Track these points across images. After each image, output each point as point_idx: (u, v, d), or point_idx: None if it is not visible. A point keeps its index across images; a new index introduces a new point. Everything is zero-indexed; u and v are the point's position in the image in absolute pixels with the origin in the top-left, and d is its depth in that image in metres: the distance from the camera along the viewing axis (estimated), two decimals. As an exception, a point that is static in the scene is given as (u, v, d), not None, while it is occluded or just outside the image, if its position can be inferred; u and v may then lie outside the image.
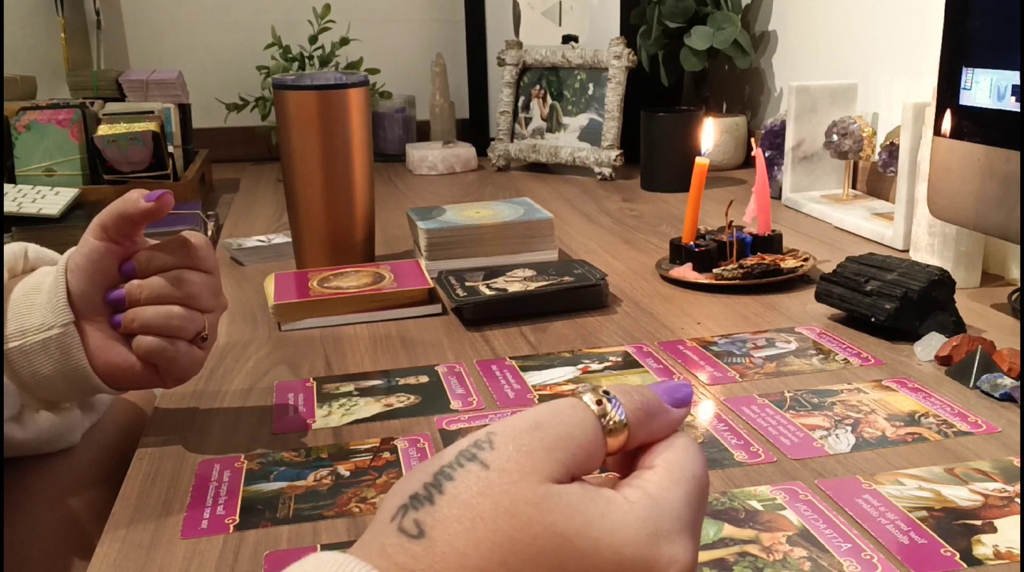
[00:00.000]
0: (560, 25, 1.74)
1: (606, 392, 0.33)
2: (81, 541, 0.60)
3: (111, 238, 0.58)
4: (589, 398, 0.32)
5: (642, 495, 0.31)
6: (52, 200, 1.33)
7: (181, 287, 0.58)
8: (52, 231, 1.27)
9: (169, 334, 0.58)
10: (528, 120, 1.70)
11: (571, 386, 0.71)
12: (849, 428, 0.62)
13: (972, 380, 0.68)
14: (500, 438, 0.30)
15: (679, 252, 0.98)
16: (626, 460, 0.34)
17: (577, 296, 0.87)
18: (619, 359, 0.76)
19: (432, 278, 0.92)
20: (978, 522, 0.50)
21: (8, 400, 0.57)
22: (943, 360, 0.72)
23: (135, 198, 0.57)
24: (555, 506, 0.29)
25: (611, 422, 0.32)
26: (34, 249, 0.63)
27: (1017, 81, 0.74)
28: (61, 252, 0.60)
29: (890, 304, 0.76)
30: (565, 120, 1.66)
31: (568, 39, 1.72)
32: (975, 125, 0.80)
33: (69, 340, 0.57)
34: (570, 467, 0.31)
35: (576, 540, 0.29)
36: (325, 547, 0.50)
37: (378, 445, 0.62)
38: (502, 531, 0.28)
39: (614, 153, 1.56)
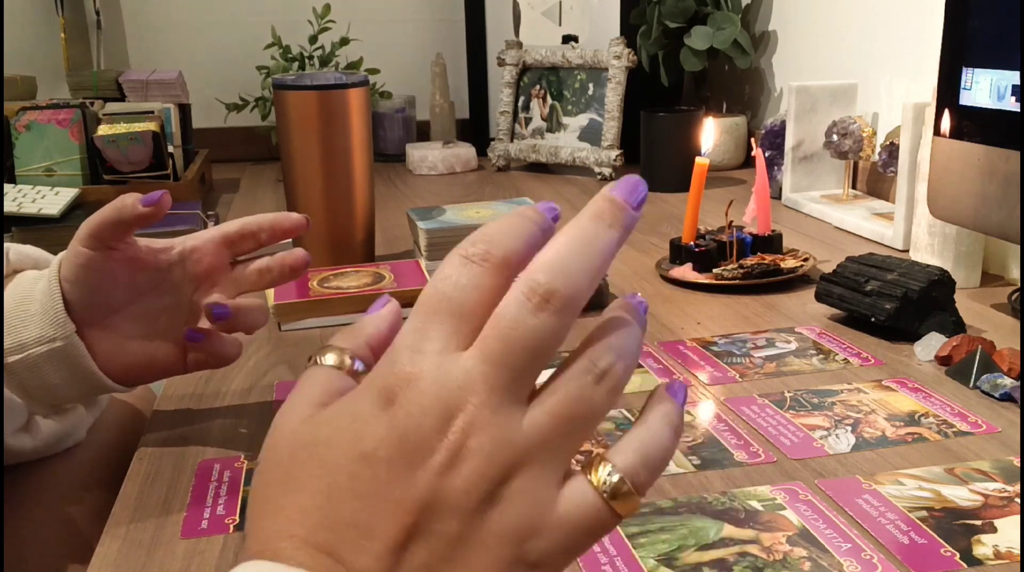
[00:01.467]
0: (560, 25, 1.74)
1: (335, 345, 0.33)
2: (81, 541, 0.60)
3: (106, 245, 0.57)
4: (330, 359, 0.33)
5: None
6: (52, 200, 1.33)
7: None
8: (52, 231, 1.27)
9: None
10: (528, 120, 1.70)
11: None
12: (849, 428, 0.62)
13: (972, 380, 0.68)
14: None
15: (679, 252, 0.98)
16: None
17: (577, 296, 0.87)
18: (619, 359, 0.76)
19: (432, 278, 0.92)
20: (978, 522, 0.50)
21: (15, 413, 0.57)
22: (943, 360, 0.72)
23: (131, 203, 0.56)
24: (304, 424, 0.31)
25: (349, 364, 0.33)
26: (16, 250, 0.62)
27: (1017, 81, 0.74)
28: (60, 252, 0.60)
29: (890, 304, 0.76)
30: (565, 120, 1.66)
31: (568, 39, 1.72)
32: (975, 125, 0.80)
33: (74, 350, 0.57)
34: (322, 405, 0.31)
35: (315, 428, 0.30)
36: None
37: (378, 445, 0.62)
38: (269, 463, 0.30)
39: (614, 153, 1.56)
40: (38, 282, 0.58)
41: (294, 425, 0.30)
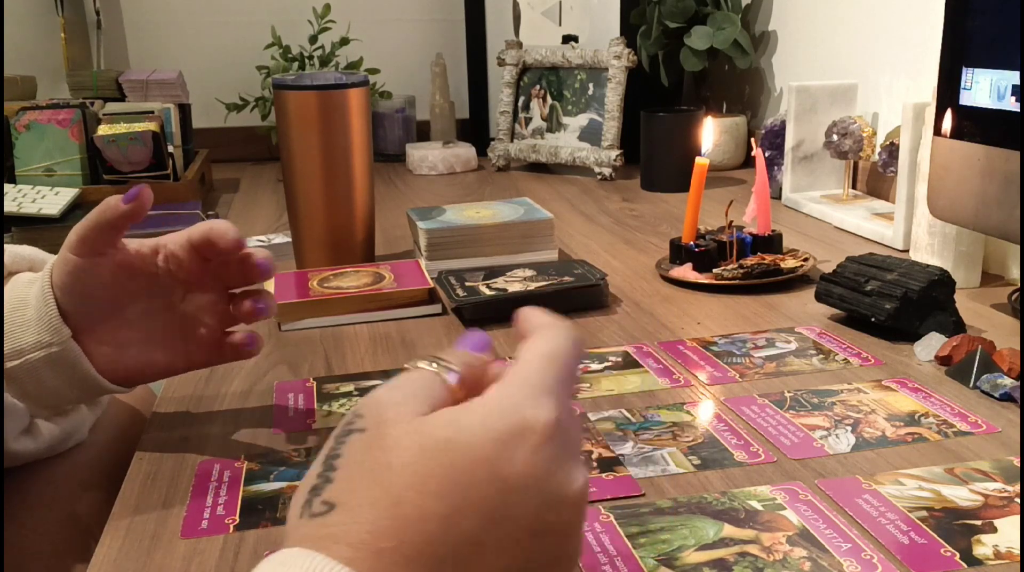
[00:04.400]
0: (560, 25, 1.74)
1: (435, 356, 0.36)
2: (81, 541, 0.60)
3: (95, 251, 0.56)
4: (423, 363, 0.35)
5: (495, 386, 0.34)
6: (52, 200, 1.33)
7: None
8: (52, 231, 1.27)
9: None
10: (528, 120, 1.70)
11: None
12: (849, 428, 0.62)
13: (972, 380, 0.68)
14: (365, 407, 0.33)
15: (679, 252, 0.98)
16: None
17: (577, 296, 0.87)
18: (619, 359, 0.76)
19: (432, 278, 0.92)
20: (978, 522, 0.50)
21: (16, 417, 0.57)
22: (943, 360, 0.72)
23: (113, 204, 0.56)
24: (429, 422, 0.32)
25: (446, 373, 0.35)
26: (10, 251, 0.62)
27: (1017, 81, 0.74)
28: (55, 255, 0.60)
29: (890, 304, 0.76)
30: (565, 120, 1.66)
31: (568, 39, 1.72)
32: (975, 125, 0.80)
33: (72, 355, 0.57)
34: (430, 407, 0.33)
35: (454, 435, 0.31)
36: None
37: (378, 445, 0.62)
38: (397, 463, 0.31)
39: (614, 153, 1.56)
40: (32, 286, 0.58)
41: (412, 420, 0.32)
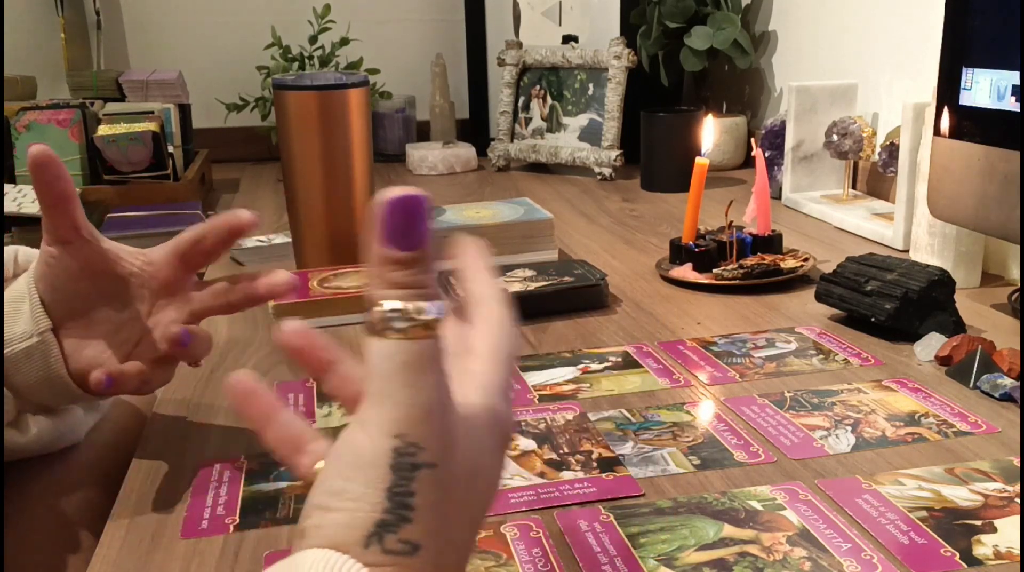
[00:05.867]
0: (560, 25, 1.74)
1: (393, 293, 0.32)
2: (81, 542, 0.60)
3: (61, 239, 0.56)
4: (397, 325, 0.31)
5: (480, 394, 0.34)
6: (52, 200, 1.33)
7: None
8: (52, 231, 1.27)
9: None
10: (528, 120, 1.70)
11: (571, 386, 0.71)
12: (849, 428, 0.62)
13: (972, 380, 0.68)
14: (420, 435, 0.30)
15: (679, 252, 0.98)
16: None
17: (577, 296, 0.87)
18: (619, 359, 0.76)
19: (432, 278, 0.92)
20: (978, 522, 0.50)
21: (5, 406, 0.57)
22: (943, 360, 0.72)
23: (61, 190, 0.54)
24: (482, 454, 0.33)
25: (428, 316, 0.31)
26: (24, 251, 0.62)
27: (1017, 81, 0.74)
28: None
29: (890, 304, 0.76)
30: (565, 120, 1.66)
31: (568, 39, 1.72)
32: (975, 125, 0.80)
33: (47, 348, 0.56)
34: (461, 395, 0.33)
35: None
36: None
37: (378, 445, 0.62)
38: (467, 498, 0.32)
39: (614, 153, 1.56)
40: (22, 280, 0.58)
41: (475, 453, 0.33)
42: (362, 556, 0.29)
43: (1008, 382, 0.66)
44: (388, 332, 0.30)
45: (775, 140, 1.34)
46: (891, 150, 1.11)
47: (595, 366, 0.75)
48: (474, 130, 1.87)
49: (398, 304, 0.30)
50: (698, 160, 0.98)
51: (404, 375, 0.30)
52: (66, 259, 0.56)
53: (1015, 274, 0.94)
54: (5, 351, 0.56)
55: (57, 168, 0.54)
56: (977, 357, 0.68)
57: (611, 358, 0.76)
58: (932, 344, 0.74)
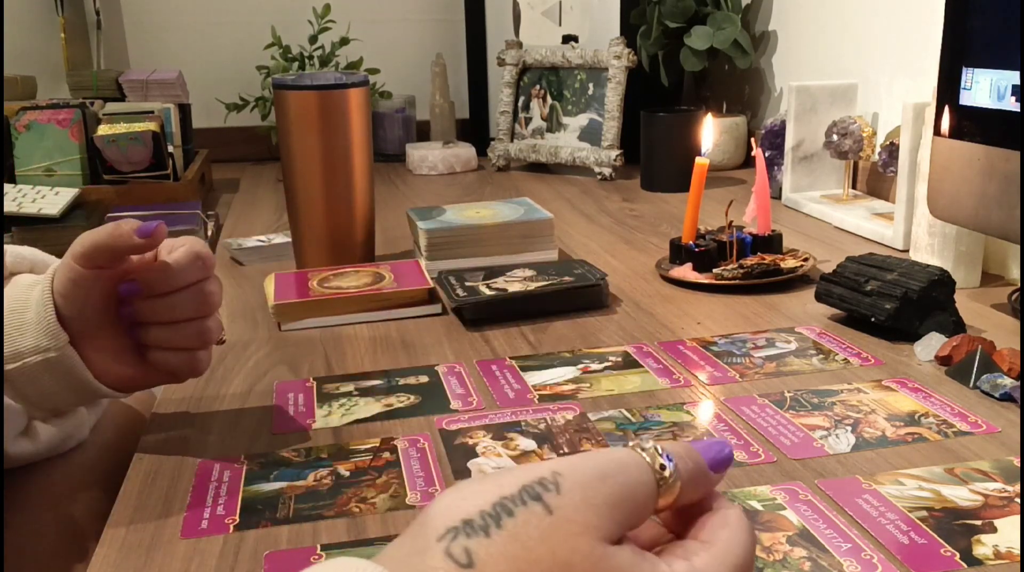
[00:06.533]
0: (560, 25, 1.74)
1: (663, 449, 0.33)
2: (81, 542, 0.60)
3: (99, 266, 0.56)
4: (649, 455, 0.33)
5: (688, 569, 0.32)
6: (52, 200, 1.33)
7: (209, 300, 0.59)
8: (52, 231, 1.27)
9: (200, 346, 0.60)
10: (528, 120, 1.70)
11: (571, 386, 0.71)
12: (849, 428, 0.62)
13: (972, 380, 0.68)
14: (568, 483, 0.30)
15: (679, 252, 0.98)
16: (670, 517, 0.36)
17: (577, 296, 0.87)
18: (619, 359, 0.76)
19: (432, 278, 0.92)
20: (978, 522, 0.50)
21: (14, 419, 0.57)
22: (943, 360, 0.72)
23: (127, 232, 0.55)
24: (609, 568, 0.30)
25: (666, 482, 0.33)
26: (11, 252, 0.62)
27: (1017, 81, 0.74)
28: (60, 253, 0.59)
29: (890, 304, 0.76)
30: (565, 120, 1.66)
31: (568, 39, 1.72)
32: (975, 125, 0.80)
33: (69, 361, 0.57)
34: (625, 526, 0.31)
35: None
36: (325, 547, 0.50)
37: (378, 445, 0.62)
38: (550, 569, 0.29)
39: (614, 153, 1.56)
40: (33, 289, 0.57)
41: (596, 544, 0.30)
42: (431, 553, 0.29)
43: (1008, 382, 0.66)
44: None
45: (775, 140, 1.34)
46: (891, 150, 1.11)
47: (595, 366, 0.75)
48: (474, 130, 1.87)
49: None
50: (698, 160, 0.98)
51: None
52: (99, 282, 0.57)
53: (1015, 274, 0.94)
54: (20, 364, 0.56)
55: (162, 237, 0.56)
56: (977, 357, 0.68)
57: (611, 358, 0.76)
58: (932, 344, 0.74)
